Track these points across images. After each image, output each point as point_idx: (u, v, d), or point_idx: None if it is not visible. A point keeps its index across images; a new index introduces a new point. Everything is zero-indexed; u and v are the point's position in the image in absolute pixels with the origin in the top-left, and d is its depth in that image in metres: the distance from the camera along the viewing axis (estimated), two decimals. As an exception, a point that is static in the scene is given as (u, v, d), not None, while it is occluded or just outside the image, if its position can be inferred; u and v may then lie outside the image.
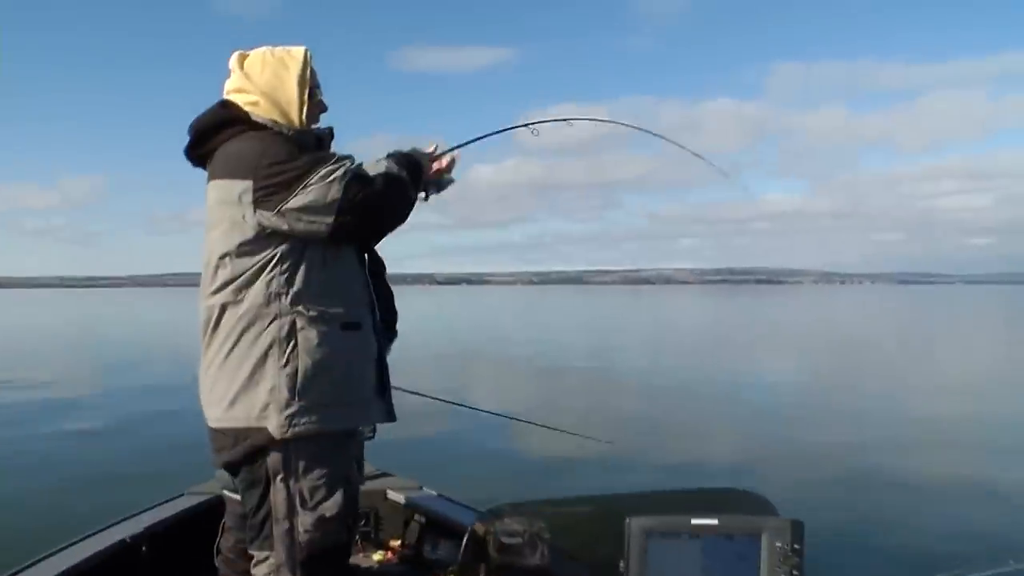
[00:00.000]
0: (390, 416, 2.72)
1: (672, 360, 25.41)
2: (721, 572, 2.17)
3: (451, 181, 2.88)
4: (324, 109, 2.69)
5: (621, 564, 2.19)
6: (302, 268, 2.43)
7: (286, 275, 2.42)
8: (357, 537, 4.10)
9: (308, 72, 2.58)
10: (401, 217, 2.59)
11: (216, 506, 3.98)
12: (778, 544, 2.14)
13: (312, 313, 2.41)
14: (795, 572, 2.13)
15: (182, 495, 4.22)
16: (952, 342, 34.85)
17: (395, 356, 2.81)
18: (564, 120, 3.30)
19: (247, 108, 2.55)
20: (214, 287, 2.48)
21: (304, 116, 2.58)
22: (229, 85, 2.61)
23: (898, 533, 7.39)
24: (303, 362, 2.38)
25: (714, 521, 2.17)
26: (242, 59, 2.60)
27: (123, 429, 11.70)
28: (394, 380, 2.76)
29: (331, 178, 2.35)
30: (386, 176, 2.46)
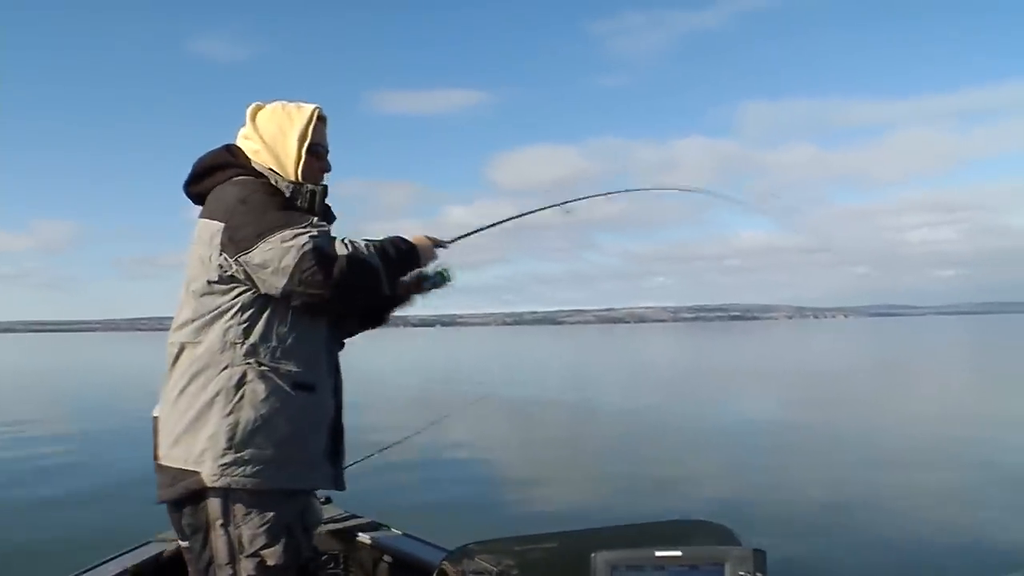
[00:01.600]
0: (338, 484, 2.69)
1: (639, 396, 25.52)
2: (686, 602, 2.19)
3: (446, 279, 2.81)
4: (327, 169, 2.71)
5: None
6: (262, 320, 2.44)
7: (244, 325, 2.42)
8: None
9: (311, 129, 2.61)
10: (360, 300, 2.57)
11: (182, 554, 3.93)
12: (741, 573, 2.17)
13: (264, 368, 2.41)
14: (759, 600, 2.15)
15: (149, 542, 4.16)
16: (919, 373, 35.16)
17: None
18: (602, 195, 3.23)
19: (250, 155, 2.61)
20: (177, 323, 2.51)
21: (300, 171, 2.59)
22: (241, 133, 2.67)
23: (860, 560, 7.51)
24: (246, 415, 2.37)
25: (678, 552, 2.19)
26: (256, 111, 2.66)
27: (89, 473, 11.59)
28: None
29: (290, 243, 2.32)
30: (351, 258, 2.37)
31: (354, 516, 4.55)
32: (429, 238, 2.74)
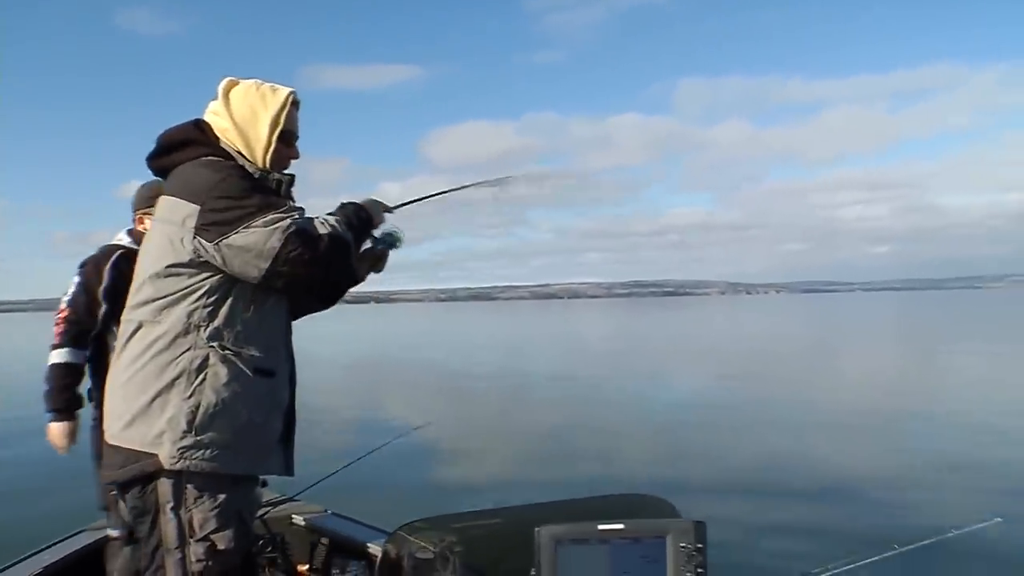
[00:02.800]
0: (288, 469, 2.68)
1: (573, 372, 25.83)
2: (630, 574, 2.23)
3: (397, 239, 2.79)
4: (295, 156, 2.67)
5: (532, 572, 2.23)
6: (227, 305, 2.41)
7: (209, 308, 2.39)
8: (264, 563, 4.08)
9: (283, 115, 2.57)
10: (336, 279, 2.57)
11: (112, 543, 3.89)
12: (682, 544, 2.21)
13: (227, 352, 2.38)
14: (700, 570, 2.21)
15: (81, 531, 4.11)
16: (837, 348, 36.22)
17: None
18: (535, 177, 3.22)
19: (219, 133, 2.55)
20: (135, 302, 2.46)
21: (269, 158, 2.56)
22: (211, 107, 2.61)
23: (797, 527, 7.82)
24: (207, 398, 2.34)
25: (620, 526, 2.22)
26: (230, 86, 2.60)
27: (16, 462, 11.24)
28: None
29: (275, 226, 2.32)
30: (331, 237, 2.40)
31: (290, 500, 4.56)
32: (376, 201, 2.72)
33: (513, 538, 2.38)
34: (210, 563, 2.37)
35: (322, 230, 2.40)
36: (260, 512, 4.13)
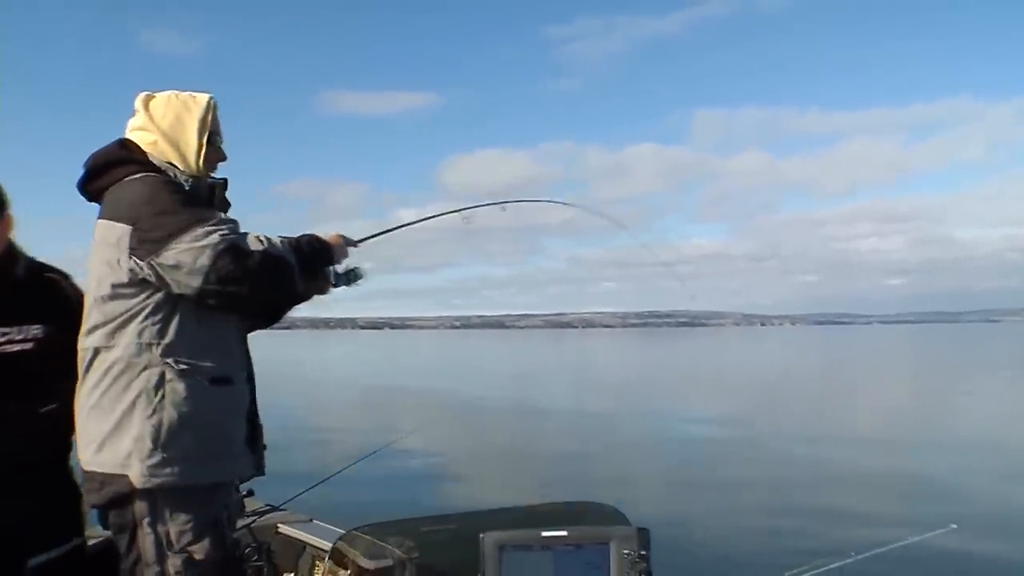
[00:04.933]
0: (259, 470, 2.70)
1: (571, 397, 26.90)
2: (573, 581, 2.24)
3: (358, 277, 2.84)
4: (223, 158, 2.68)
5: None
6: (175, 320, 2.41)
7: (158, 326, 2.40)
8: (250, 572, 4.01)
9: (210, 118, 2.59)
10: (275, 298, 2.60)
11: (104, 552, 3.89)
12: (625, 551, 2.22)
13: (182, 366, 2.39)
14: (643, 576, 2.21)
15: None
16: (843, 380, 36.72)
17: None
18: (497, 204, 3.28)
19: (146, 148, 2.54)
20: (87, 328, 2.47)
21: (201, 161, 2.56)
22: (132, 123, 2.61)
23: (751, 536, 8.27)
24: (169, 414, 2.35)
25: (563, 532, 2.24)
26: (148, 100, 2.60)
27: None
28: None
29: (204, 242, 2.30)
30: (264, 255, 2.38)
31: (276, 509, 4.54)
32: (342, 236, 2.74)
33: (464, 543, 2.38)
34: (189, 575, 2.39)
35: (255, 246, 2.38)
36: (246, 521, 4.12)
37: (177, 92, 2.62)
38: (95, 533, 3.88)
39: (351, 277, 2.82)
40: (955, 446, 14.74)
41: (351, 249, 2.81)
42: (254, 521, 4.26)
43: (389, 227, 3.03)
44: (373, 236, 2.94)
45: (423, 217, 3.18)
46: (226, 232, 2.35)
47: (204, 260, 2.29)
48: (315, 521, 4.46)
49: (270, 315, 2.89)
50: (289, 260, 2.44)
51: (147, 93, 2.62)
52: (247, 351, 2.70)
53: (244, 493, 4.35)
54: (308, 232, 2.64)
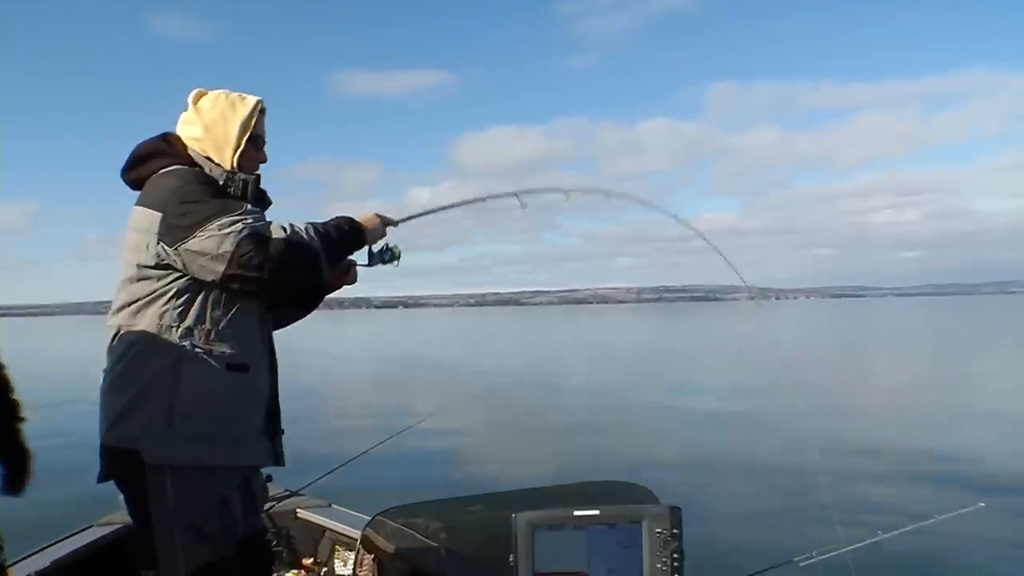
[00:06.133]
0: (277, 460, 2.73)
1: (587, 372, 26.42)
2: (606, 559, 2.24)
3: (394, 256, 2.83)
4: (263, 159, 2.73)
5: (511, 558, 2.24)
6: (196, 305, 2.47)
7: (179, 309, 2.45)
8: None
9: (254, 120, 2.64)
10: (299, 283, 2.60)
11: (124, 538, 3.91)
12: (658, 530, 2.22)
13: (199, 350, 2.44)
14: (675, 555, 2.21)
15: (89, 527, 4.12)
16: (861, 352, 36.24)
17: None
18: (559, 191, 3.17)
19: (188, 141, 2.63)
20: (115, 307, 2.53)
21: (237, 160, 2.61)
22: (182, 117, 2.68)
23: (778, 513, 8.10)
24: (182, 395, 2.41)
25: (595, 512, 2.23)
26: (199, 96, 2.67)
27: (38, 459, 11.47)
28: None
29: (228, 230, 2.36)
30: (287, 242, 2.41)
31: (295, 494, 4.59)
32: (379, 216, 2.76)
33: (494, 524, 2.39)
34: (198, 549, 2.43)
35: (277, 234, 2.42)
36: (266, 506, 4.08)
37: (227, 92, 2.69)
38: (120, 518, 3.92)
39: (386, 256, 2.82)
40: (979, 421, 14.42)
41: (391, 229, 2.81)
42: (273, 507, 4.31)
43: (431, 208, 3.02)
44: (415, 216, 2.94)
45: (476, 198, 3.13)
46: (249, 220, 2.41)
47: (227, 246, 2.34)
48: (334, 506, 4.48)
49: (302, 305, 2.92)
50: (313, 246, 2.47)
51: (199, 90, 2.69)
52: (270, 341, 2.73)
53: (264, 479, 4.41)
54: (341, 215, 2.66)
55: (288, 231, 2.44)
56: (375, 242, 2.78)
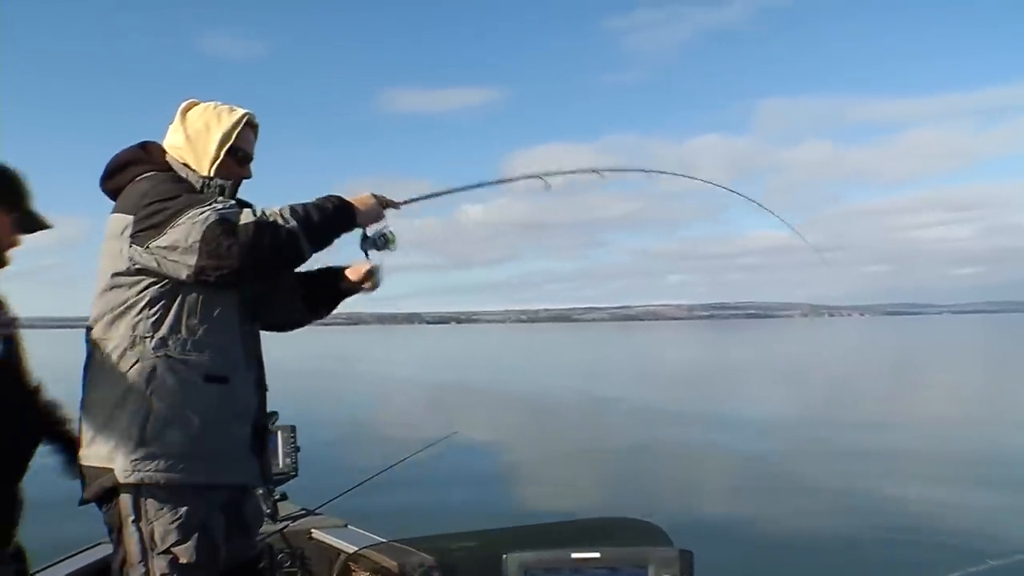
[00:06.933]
0: (263, 478, 2.66)
1: (629, 393, 25.27)
2: (606, 609, 1.99)
3: (388, 241, 2.67)
4: (246, 176, 2.67)
5: None
6: (171, 313, 2.39)
7: (154, 318, 2.38)
8: None
9: (236, 132, 2.58)
10: (276, 266, 2.45)
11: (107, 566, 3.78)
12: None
13: (174, 360, 2.36)
14: (686, 606, 1.95)
15: (100, 543, 4.03)
16: (923, 373, 34.42)
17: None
18: (591, 172, 3.06)
19: (169, 149, 2.60)
20: (91, 320, 2.47)
21: (214, 170, 2.55)
22: (169, 127, 2.65)
23: (817, 562, 7.37)
24: (156, 408, 2.32)
25: (596, 554, 2.00)
26: (188, 106, 2.64)
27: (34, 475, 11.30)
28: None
29: (195, 220, 2.28)
30: (258, 224, 2.29)
31: (311, 513, 4.45)
32: (376, 196, 2.61)
33: (487, 562, 2.17)
34: None
35: (246, 219, 2.30)
36: (279, 526, 4.09)
37: (217, 103, 2.65)
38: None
39: (379, 242, 2.65)
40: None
41: (392, 212, 2.67)
42: (287, 526, 4.20)
43: (438, 191, 2.86)
44: (422, 197, 2.80)
45: (499, 180, 3.04)
46: (218, 207, 2.32)
47: (194, 236, 2.26)
48: (350, 527, 4.33)
49: (311, 307, 2.82)
50: (288, 227, 2.33)
51: (190, 101, 2.66)
52: (256, 353, 2.65)
53: (277, 497, 4.28)
54: (331, 194, 2.51)
55: (259, 214, 2.32)
56: (369, 224, 2.61)
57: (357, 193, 2.56)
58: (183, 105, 2.64)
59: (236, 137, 2.58)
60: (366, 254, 2.68)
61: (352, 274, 2.74)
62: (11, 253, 2.59)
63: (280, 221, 2.32)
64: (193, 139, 2.56)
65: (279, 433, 4.19)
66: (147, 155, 2.58)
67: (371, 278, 2.72)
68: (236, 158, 2.60)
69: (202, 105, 2.63)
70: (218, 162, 2.55)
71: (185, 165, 2.55)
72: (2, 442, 2.43)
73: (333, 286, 2.79)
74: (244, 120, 2.60)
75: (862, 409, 19.35)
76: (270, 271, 2.47)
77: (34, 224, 2.63)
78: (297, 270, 2.60)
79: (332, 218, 2.48)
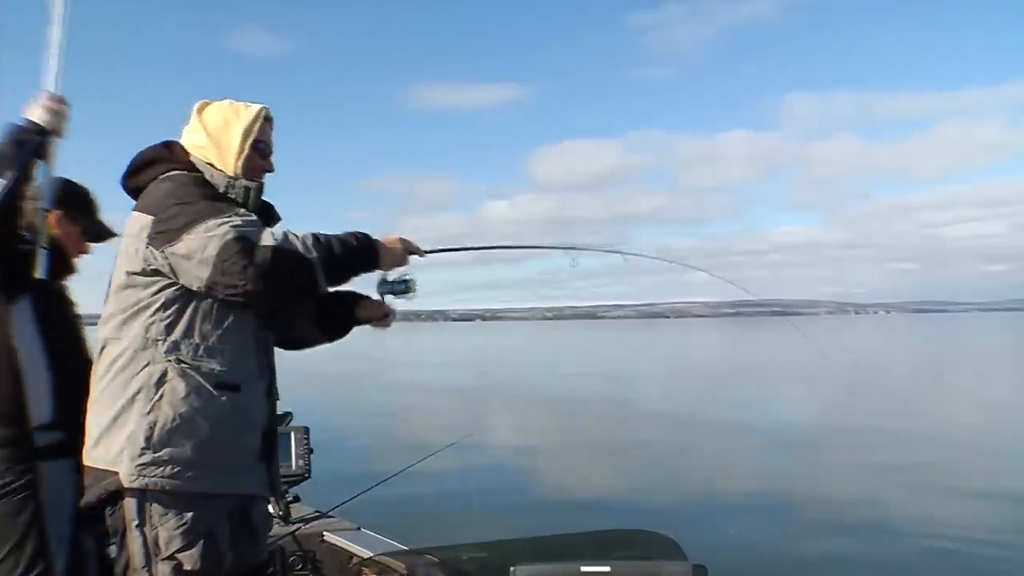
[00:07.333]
0: (270, 489, 2.62)
1: (650, 394, 24.84)
2: (617, 625, 1.92)
3: (408, 289, 2.69)
4: (270, 169, 2.67)
5: None
6: (185, 317, 2.36)
7: (167, 322, 2.35)
8: None
9: (257, 126, 2.59)
10: (287, 295, 2.45)
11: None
12: (677, 592, 1.89)
13: (185, 366, 2.33)
14: (698, 623, 1.88)
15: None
16: (961, 372, 33.33)
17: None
18: (617, 252, 3.11)
19: (191, 149, 2.58)
20: (102, 319, 2.46)
21: (240, 165, 2.55)
22: (185, 128, 2.65)
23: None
24: (165, 414, 2.28)
25: (606, 568, 1.93)
26: (203, 106, 2.64)
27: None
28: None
29: (213, 233, 2.25)
30: (276, 249, 2.25)
31: (324, 516, 4.43)
32: (404, 241, 2.60)
33: (495, 573, 2.10)
34: None
35: (265, 240, 2.26)
36: (291, 528, 4.08)
37: (232, 101, 2.65)
38: None
39: (398, 287, 2.66)
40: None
41: (415, 259, 2.65)
42: (299, 528, 4.18)
43: (463, 246, 2.91)
44: (444, 250, 2.80)
45: (525, 244, 3.08)
46: (239, 224, 2.28)
47: (211, 250, 2.22)
48: (363, 530, 4.30)
49: (325, 331, 2.84)
50: (308, 257, 2.30)
51: (204, 101, 2.66)
52: (269, 363, 2.61)
53: (290, 499, 4.25)
54: (358, 230, 2.49)
55: (280, 239, 2.27)
56: (392, 268, 2.60)
57: (386, 235, 2.54)
58: (197, 105, 2.64)
59: (257, 130, 2.59)
60: (382, 298, 2.68)
61: (370, 308, 2.77)
62: (78, 260, 2.87)
63: (301, 250, 2.30)
64: (215, 136, 2.56)
65: (292, 434, 4.15)
66: (171, 154, 2.57)
67: (386, 318, 2.75)
68: (258, 151, 2.60)
69: (217, 104, 2.63)
70: (243, 156, 2.55)
71: (210, 165, 2.54)
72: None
73: (348, 313, 2.80)
74: (262, 114, 2.61)
75: (892, 415, 18.21)
76: (282, 298, 2.46)
77: (101, 233, 2.87)
78: None
79: (355, 256, 2.46)
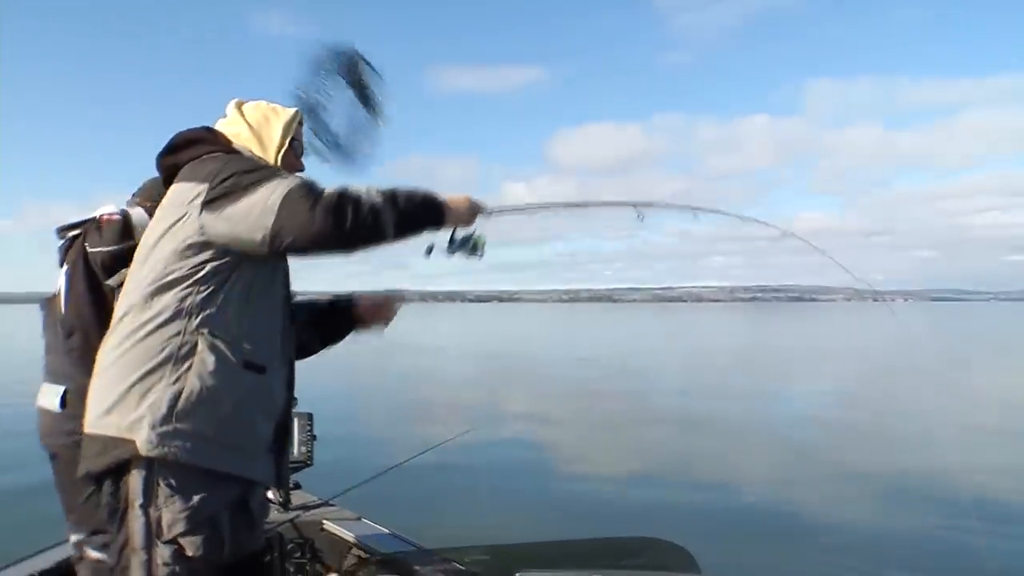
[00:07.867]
0: (277, 480, 2.64)
1: (666, 384, 23.62)
2: (624, 638, 1.82)
3: (476, 247, 2.67)
4: (301, 169, 2.75)
5: None
6: (221, 295, 2.36)
7: (203, 295, 2.34)
8: (292, 568, 3.96)
9: (294, 126, 2.70)
10: (353, 239, 2.37)
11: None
12: (687, 606, 1.78)
13: (216, 340, 2.32)
14: (710, 638, 1.77)
15: (66, 541, 3.93)
16: (952, 364, 31.93)
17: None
18: (687, 208, 3.13)
19: (232, 138, 2.61)
20: (128, 287, 2.43)
21: (280, 158, 2.63)
22: (221, 121, 2.70)
23: None
24: (192, 384, 2.26)
25: (611, 576, 1.81)
26: (240, 104, 2.72)
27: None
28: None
29: (278, 186, 2.28)
30: (342, 194, 2.28)
31: (325, 504, 4.41)
32: (471, 200, 2.60)
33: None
34: (177, 569, 2.26)
35: (331, 189, 2.30)
36: (291, 516, 4.07)
37: (268, 101, 2.75)
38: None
39: (467, 245, 2.63)
40: None
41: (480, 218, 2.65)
42: (299, 515, 4.16)
43: (529, 204, 2.86)
44: (513, 209, 2.78)
45: (588, 202, 3.00)
46: (298, 180, 2.33)
47: (276, 197, 2.25)
48: (364, 520, 4.27)
49: (325, 336, 2.99)
50: (373, 202, 2.31)
51: (238, 100, 2.74)
52: (290, 355, 2.63)
53: (291, 485, 4.21)
54: (428, 190, 2.49)
55: (342, 187, 2.31)
56: (458, 226, 2.58)
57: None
58: (235, 102, 2.71)
59: (295, 128, 2.71)
60: (451, 256, 2.64)
61: (369, 306, 2.93)
62: None
63: (365, 197, 2.30)
64: (256, 128, 2.64)
65: (296, 420, 4.09)
66: (214, 137, 2.59)
67: (389, 311, 2.87)
68: (294, 149, 2.71)
69: (253, 102, 2.73)
70: (284, 150, 2.64)
71: (251, 151, 2.60)
72: None
73: (346, 319, 2.96)
74: (298, 117, 2.73)
75: (918, 416, 16.25)
76: (348, 244, 2.39)
77: None
78: (307, 302, 2.74)
79: (421, 208, 2.46)
